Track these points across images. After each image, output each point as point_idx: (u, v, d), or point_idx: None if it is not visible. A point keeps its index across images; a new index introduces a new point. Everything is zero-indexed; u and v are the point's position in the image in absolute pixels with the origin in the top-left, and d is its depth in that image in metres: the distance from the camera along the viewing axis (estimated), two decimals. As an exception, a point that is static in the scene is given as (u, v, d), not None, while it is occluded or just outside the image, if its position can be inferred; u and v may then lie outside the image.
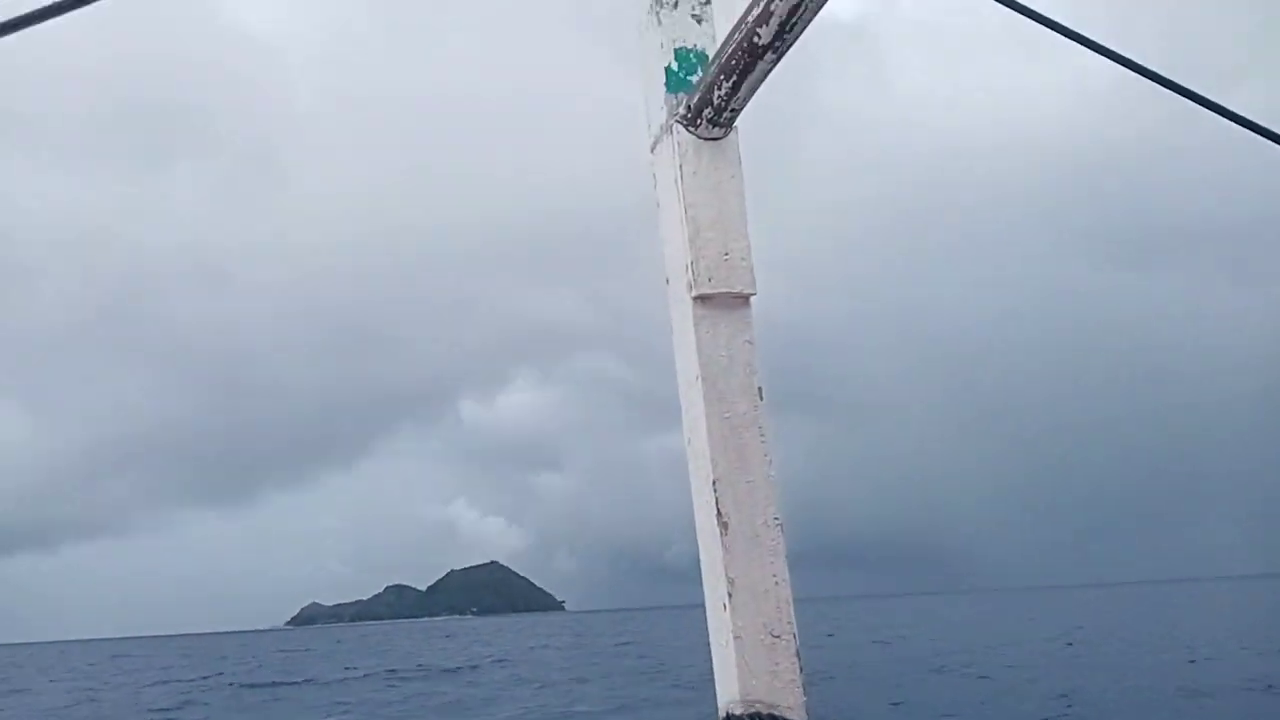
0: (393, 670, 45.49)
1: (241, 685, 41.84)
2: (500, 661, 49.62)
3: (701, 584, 2.04)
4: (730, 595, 1.93)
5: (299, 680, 42.53)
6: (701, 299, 1.85)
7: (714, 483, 1.91)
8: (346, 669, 48.32)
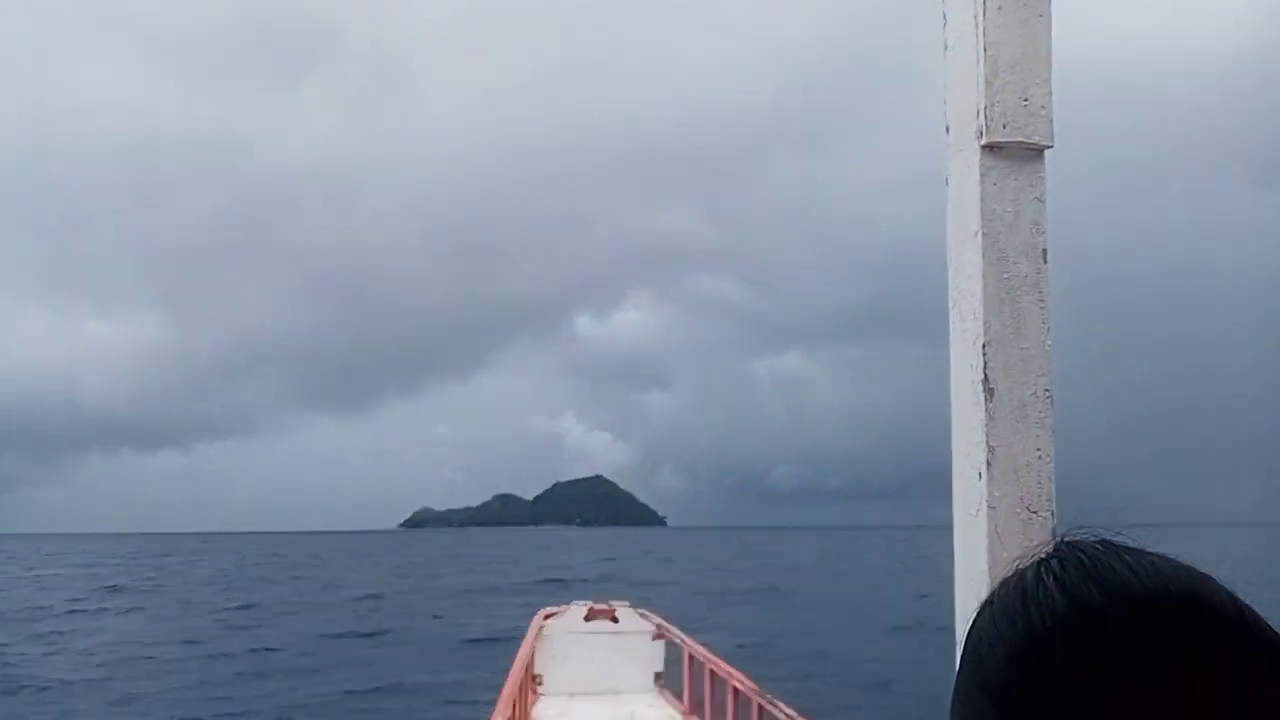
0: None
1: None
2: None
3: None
4: (989, 464, 1.86)
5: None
6: (991, 148, 1.74)
7: (984, 346, 1.82)
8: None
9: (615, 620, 8.35)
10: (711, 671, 6.68)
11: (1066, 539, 0.78)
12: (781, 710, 5.22)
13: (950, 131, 1.83)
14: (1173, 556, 0.75)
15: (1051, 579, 0.75)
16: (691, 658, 7.37)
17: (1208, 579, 0.73)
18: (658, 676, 8.18)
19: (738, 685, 6.02)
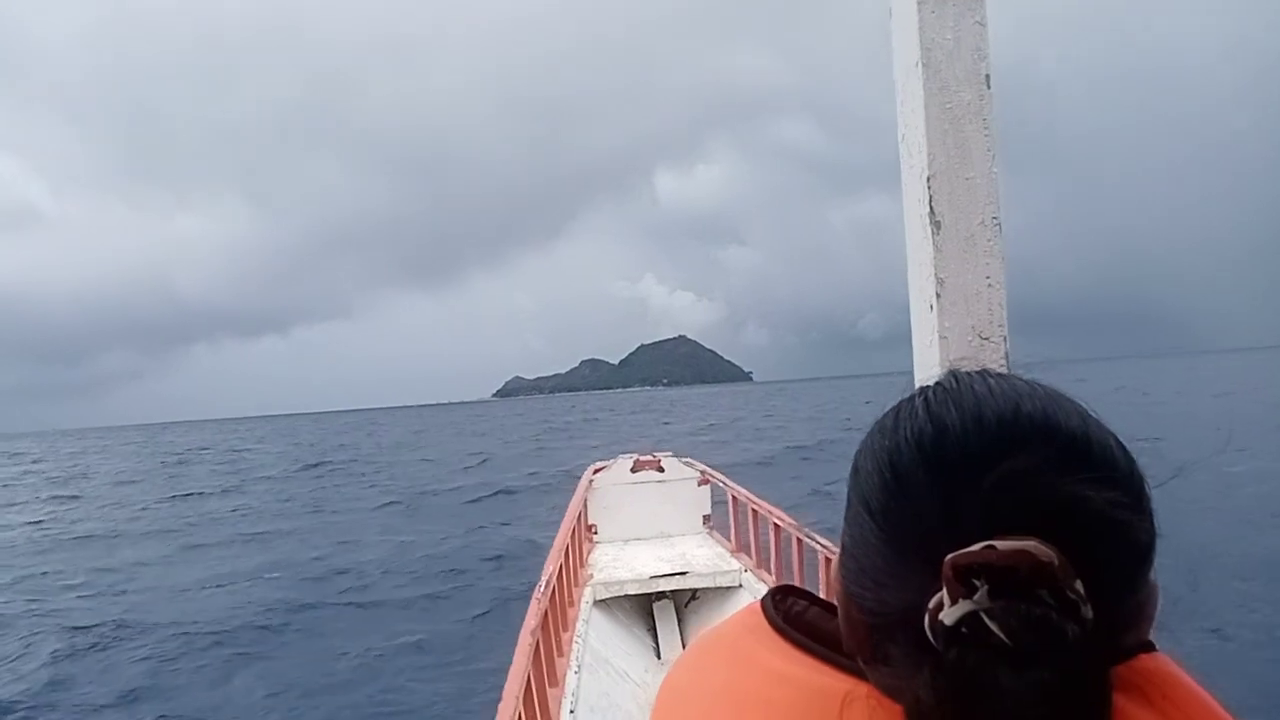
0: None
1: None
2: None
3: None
4: (939, 295, 1.89)
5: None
6: (927, -27, 1.71)
7: (928, 179, 1.83)
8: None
9: (661, 470, 8.58)
10: (754, 511, 6.93)
11: (951, 369, 0.85)
12: (817, 542, 5.43)
13: (887, -41, 1.80)
14: (1048, 385, 0.82)
15: (922, 400, 0.83)
16: (735, 499, 7.59)
17: (1065, 400, 0.80)
18: (705, 519, 8.47)
19: (778, 522, 6.25)
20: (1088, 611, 0.71)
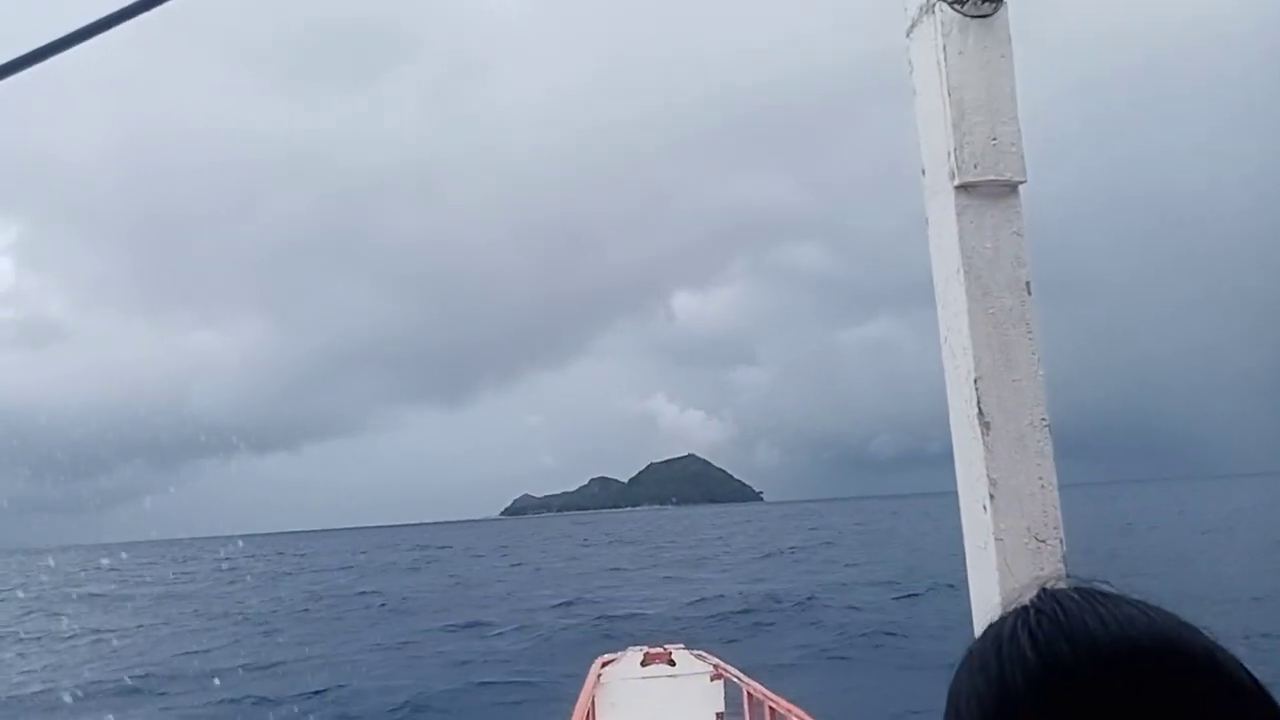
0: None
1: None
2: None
3: (955, 482, 1.98)
4: (992, 497, 1.86)
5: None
6: (965, 188, 1.74)
7: (975, 381, 1.83)
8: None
9: (672, 663, 8.17)
10: (771, 709, 6.54)
11: (1046, 588, 0.78)
12: None
13: (926, 174, 1.84)
14: (1153, 604, 0.76)
15: (1026, 633, 0.76)
16: (750, 695, 7.16)
17: (1185, 627, 0.73)
18: (718, 717, 7.93)
19: None
20: None
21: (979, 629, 1.88)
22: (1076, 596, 0.76)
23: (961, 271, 1.80)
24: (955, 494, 1.95)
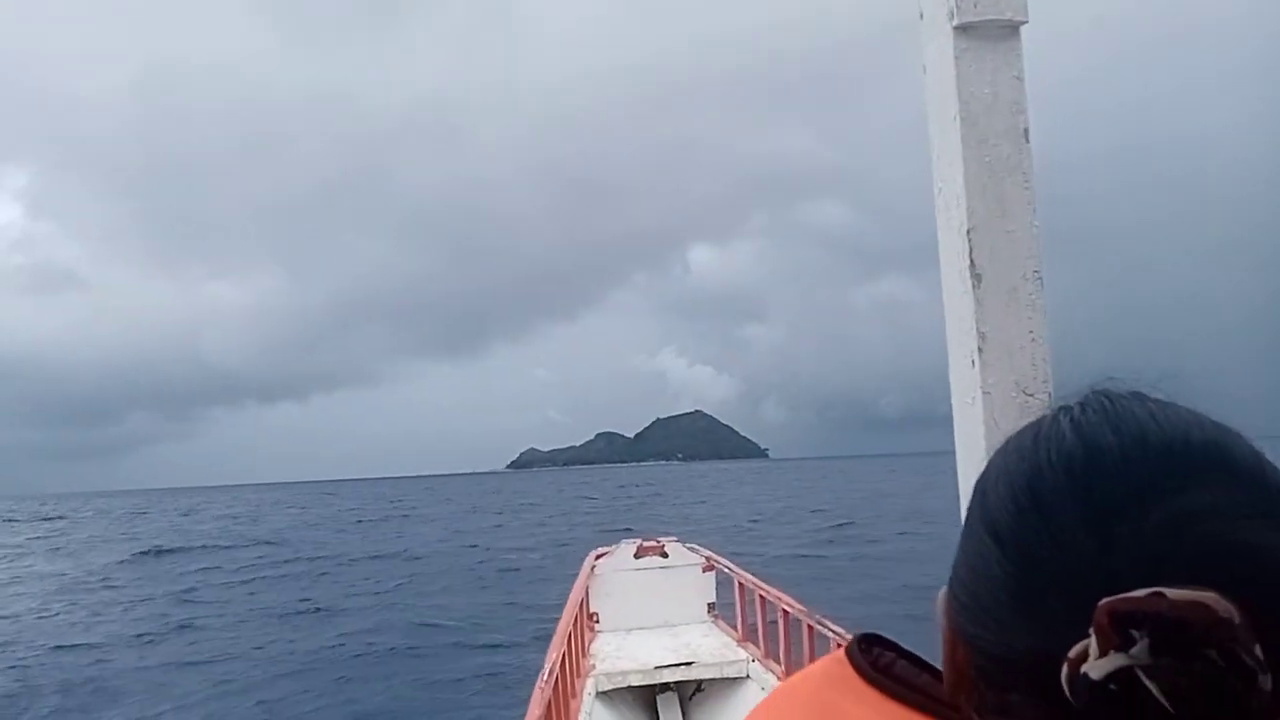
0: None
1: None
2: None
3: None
4: (980, 350, 1.86)
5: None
6: (964, 28, 1.71)
7: (968, 232, 1.81)
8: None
9: (665, 555, 8.31)
10: (761, 597, 6.68)
11: (1097, 388, 0.74)
12: (830, 629, 5.25)
13: (924, 16, 1.81)
14: (1213, 418, 0.72)
15: (1068, 420, 0.72)
16: (741, 585, 7.31)
17: (1235, 434, 0.70)
18: (710, 606, 8.15)
19: (787, 608, 6.07)
20: (1266, 682, 0.62)
21: (965, 487, 1.90)
22: (1127, 394, 0.73)
23: (958, 118, 1.77)
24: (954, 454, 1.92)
